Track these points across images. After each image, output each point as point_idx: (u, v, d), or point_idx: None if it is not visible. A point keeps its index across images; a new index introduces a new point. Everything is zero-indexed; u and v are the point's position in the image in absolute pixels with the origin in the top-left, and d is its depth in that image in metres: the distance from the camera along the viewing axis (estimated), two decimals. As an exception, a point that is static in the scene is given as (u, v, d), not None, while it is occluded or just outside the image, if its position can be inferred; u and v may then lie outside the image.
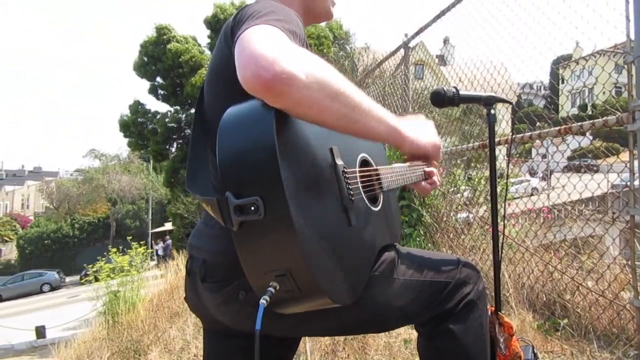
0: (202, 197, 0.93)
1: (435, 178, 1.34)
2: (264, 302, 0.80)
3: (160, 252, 27.94)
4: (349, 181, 1.01)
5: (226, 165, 0.81)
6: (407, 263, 1.16)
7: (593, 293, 2.60)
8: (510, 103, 1.43)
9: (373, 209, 1.14)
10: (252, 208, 0.78)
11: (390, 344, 2.78)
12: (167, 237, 28.98)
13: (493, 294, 1.43)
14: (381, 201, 1.21)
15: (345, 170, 1.01)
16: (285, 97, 0.79)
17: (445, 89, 1.32)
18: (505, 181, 5.49)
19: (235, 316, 1.07)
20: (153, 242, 30.66)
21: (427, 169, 1.37)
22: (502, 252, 1.41)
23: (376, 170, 1.20)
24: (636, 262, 2.24)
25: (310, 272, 0.80)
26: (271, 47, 0.80)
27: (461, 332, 1.15)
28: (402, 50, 5.31)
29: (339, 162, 1.00)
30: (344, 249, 0.95)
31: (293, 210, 0.78)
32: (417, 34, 4.73)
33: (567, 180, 3.10)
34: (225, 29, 1.04)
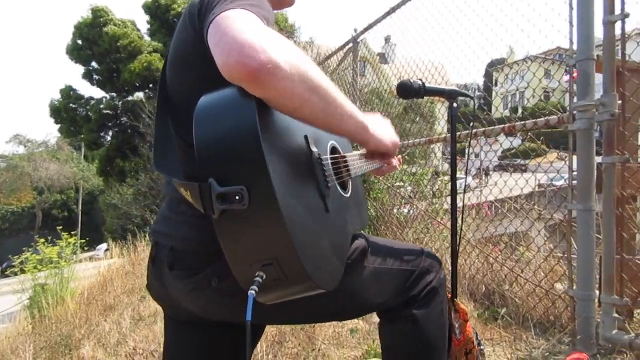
0: (180, 181, 0.90)
1: (393, 160, 1.35)
2: (253, 292, 0.78)
3: None
4: (324, 168, 1.02)
5: (207, 152, 0.79)
6: (376, 251, 1.18)
7: (530, 283, 2.75)
8: (471, 97, 1.48)
9: (345, 195, 1.15)
10: (237, 197, 0.76)
11: (337, 334, 2.81)
12: None
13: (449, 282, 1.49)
14: (350, 187, 1.23)
15: (321, 157, 1.02)
16: (268, 86, 0.78)
17: (411, 80, 1.35)
18: (443, 178, 5.70)
19: (206, 303, 1.04)
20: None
21: None
22: (459, 243, 1.47)
23: (344, 157, 1.21)
24: (572, 255, 2.39)
25: (299, 259, 0.79)
26: (255, 35, 0.78)
27: (423, 318, 1.19)
28: (347, 46, 5.38)
29: (314, 149, 1.00)
30: (325, 235, 0.95)
31: (280, 199, 0.77)
32: (366, 29, 4.78)
33: (504, 178, 3.26)
34: (190, 9, 1.00)
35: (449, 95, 1.40)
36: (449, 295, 1.41)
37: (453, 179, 1.43)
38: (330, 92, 0.88)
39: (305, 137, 0.99)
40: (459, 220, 1.45)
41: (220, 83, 0.82)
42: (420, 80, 1.36)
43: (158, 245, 1.10)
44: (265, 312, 0.97)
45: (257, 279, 0.79)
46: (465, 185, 2.81)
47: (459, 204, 1.48)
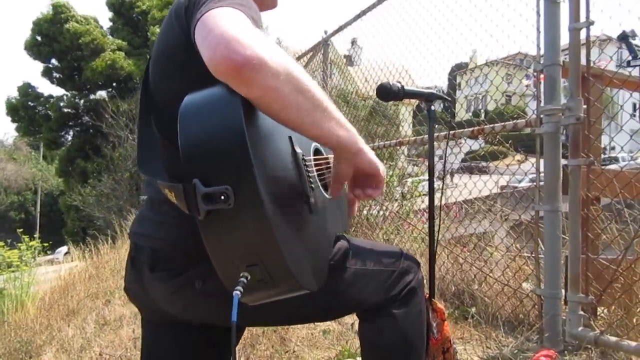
0: (164, 182, 0.88)
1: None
2: (238, 293, 0.77)
3: None
4: (308, 169, 1.02)
5: (192, 151, 0.78)
6: (357, 253, 1.19)
7: (499, 283, 2.81)
8: (448, 100, 1.51)
9: (328, 197, 1.15)
10: (222, 197, 0.76)
11: (311, 335, 2.81)
12: None
13: (427, 282, 1.50)
14: None
15: (305, 158, 1.02)
16: (253, 83, 0.77)
17: (390, 83, 1.36)
18: (412, 179, 5.78)
19: (187, 305, 1.03)
20: None
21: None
22: (437, 244, 1.49)
23: (326, 159, 1.21)
24: (539, 255, 2.45)
25: (285, 259, 0.79)
26: (242, 31, 0.78)
27: (402, 317, 1.20)
28: (317, 48, 5.42)
29: (298, 150, 1.00)
30: (308, 236, 0.95)
31: (265, 198, 0.76)
32: (337, 31, 4.82)
33: (472, 180, 3.33)
34: (176, 9, 1.00)
35: (427, 98, 1.43)
36: (427, 295, 1.43)
37: (431, 180, 1.45)
38: (318, 96, 0.86)
39: (290, 138, 0.99)
40: (437, 221, 1.47)
41: (206, 82, 0.81)
42: (399, 82, 1.37)
43: (137, 247, 1.08)
44: (248, 313, 0.96)
45: (242, 279, 0.79)
46: (442, 187, 2.86)
47: (437, 204, 1.50)
